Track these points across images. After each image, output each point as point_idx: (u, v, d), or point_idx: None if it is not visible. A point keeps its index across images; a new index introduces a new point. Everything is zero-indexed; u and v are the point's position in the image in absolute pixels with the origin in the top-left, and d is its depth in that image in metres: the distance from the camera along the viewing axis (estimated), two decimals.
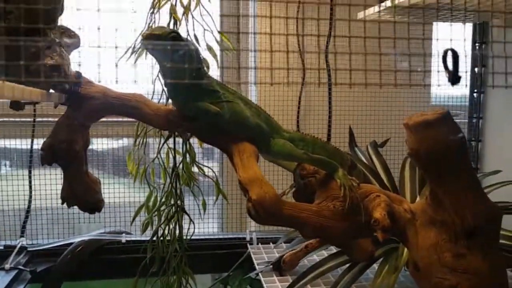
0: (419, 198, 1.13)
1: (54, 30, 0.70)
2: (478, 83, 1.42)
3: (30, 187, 1.31)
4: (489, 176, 1.24)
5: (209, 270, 1.36)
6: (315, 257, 1.16)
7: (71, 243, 1.21)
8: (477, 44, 1.38)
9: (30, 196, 1.29)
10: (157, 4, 1.03)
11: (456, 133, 0.66)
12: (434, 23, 1.25)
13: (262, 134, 0.77)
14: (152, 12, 1.02)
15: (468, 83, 1.42)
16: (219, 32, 1.03)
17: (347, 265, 1.00)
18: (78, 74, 0.73)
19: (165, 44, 0.69)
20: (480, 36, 1.36)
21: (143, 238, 1.24)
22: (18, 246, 1.17)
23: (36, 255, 1.18)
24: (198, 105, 0.71)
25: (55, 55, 0.65)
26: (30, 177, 1.31)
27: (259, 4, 1.35)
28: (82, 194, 0.78)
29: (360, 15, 1.23)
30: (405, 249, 0.91)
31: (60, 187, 0.78)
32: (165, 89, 0.78)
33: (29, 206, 1.29)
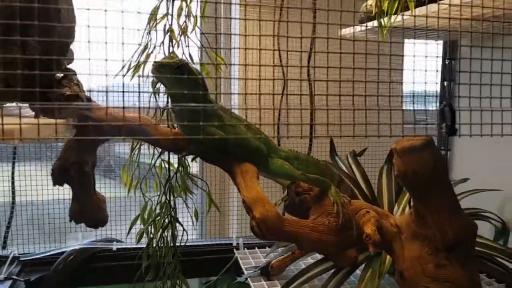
0: (396, 206, 1.22)
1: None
2: (447, 95, 1.53)
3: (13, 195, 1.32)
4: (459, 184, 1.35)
5: (197, 275, 1.41)
6: (301, 263, 1.23)
7: (63, 252, 1.23)
8: (447, 60, 1.49)
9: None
10: (153, 23, 1.06)
11: (439, 158, 0.74)
12: (408, 41, 1.35)
13: (262, 155, 0.83)
14: (149, 32, 1.06)
15: (438, 96, 1.53)
16: (212, 50, 1.08)
17: (332, 270, 1.08)
18: (88, 99, 0.76)
19: (175, 73, 0.74)
20: (450, 53, 1.47)
21: (133, 246, 1.28)
22: (11, 256, 1.19)
23: (29, 264, 1.20)
24: (206, 130, 0.76)
25: (72, 84, 0.69)
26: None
27: (242, 22, 1.40)
28: (90, 212, 0.82)
29: (345, 31, 1.30)
30: (387, 256, 1.00)
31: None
32: (173, 114, 0.83)
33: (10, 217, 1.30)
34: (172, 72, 0.73)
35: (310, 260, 1.19)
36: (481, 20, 0.78)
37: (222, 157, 0.81)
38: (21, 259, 1.21)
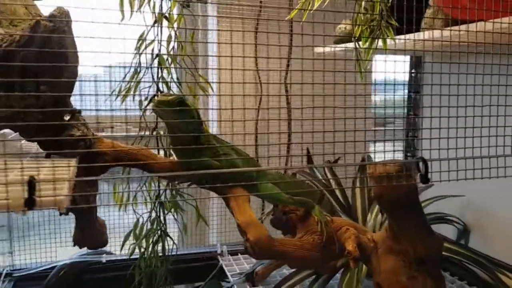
0: (370, 214, 1.33)
1: None
2: (413, 106, 1.65)
3: None
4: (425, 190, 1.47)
5: (182, 282, 1.48)
6: (284, 270, 1.32)
7: (55, 267, 1.27)
8: (412, 74, 1.60)
9: None
10: (142, 48, 1.11)
11: (411, 182, 0.84)
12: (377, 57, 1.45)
13: (252, 180, 0.90)
14: (139, 53, 1.10)
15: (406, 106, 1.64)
16: (199, 75, 1.14)
17: (313, 276, 1.17)
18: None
19: (173, 108, 0.80)
20: (415, 67, 1.58)
21: (124, 257, 1.33)
22: (4, 273, 1.22)
23: (22, 279, 1.24)
24: (202, 163, 0.83)
25: (80, 125, 0.74)
26: None
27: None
28: (92, 237, 0.87)
29: (319, 49, 1.39)
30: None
31: None
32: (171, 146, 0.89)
33: None
34: (171, 107, 0.80)
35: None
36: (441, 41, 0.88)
37: (215, 182, 0.88)
38: (14, 275, 1.24)
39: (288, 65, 1.42)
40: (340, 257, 0.90)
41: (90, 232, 0.86)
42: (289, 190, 0.94)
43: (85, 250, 1.36)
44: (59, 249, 1.34)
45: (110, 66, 0.97)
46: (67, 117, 0.74)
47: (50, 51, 0.68)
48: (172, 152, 0.92)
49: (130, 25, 1.06)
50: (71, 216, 1.35)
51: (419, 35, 0.96)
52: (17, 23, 0.72)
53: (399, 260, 0.86)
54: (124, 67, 1.05)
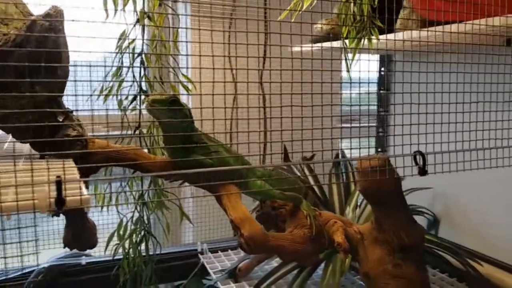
0: (348, 208, 1.37)
1: None
2: (383, 103, 1.71)
3: None
4: None
5: (162, 281, 1.48)
6: (266, 266, 1.34)
7: (33, 271, 1.24)
8: (382, 72, 1.67)
9: None
10: (123, 46, 1.10)
11: (395, 175, 0.88)
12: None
13: (242, 177, 0.92)
14: (120, 52, 1.09)
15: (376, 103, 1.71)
16: (182, 74, 1.15)
17: (296, 270, 1.20)
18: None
19: (166, 107, 0.81)
20: (385, 66, 1.65)
21: (103, 259, 1.32)
22: None
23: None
24: (194, 160, 0.84)
25: (75, 125, 0.73)
26: None
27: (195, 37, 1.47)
28: (83, 238, 0.87)
29: (295, 49, 1.42)
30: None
31: None
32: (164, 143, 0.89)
33: None
34: (165, 106, 0.80)
35: (274, 263, 1.30)
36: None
37: (209, 180, 0.89)
38: None
39: (264, 64, 1.44)
40: (329, 249, 0.93)
41: (81, 233, 0.85)
42: (277, 187, 0.96)
43: (62, 253, 1.34)
44: (33, 253, 1.30)
45: (90, 66, 0.97)
46: (61, 118, 0.73)
47: (45, 50, 0.67)
48: (163, 151, 0.92)
49: (114, 24, 1.06)
50: (49, 219, 1.32)
51: (398, 35, 1.01)
52: (8, 22, 0.71)
53: (384, 250, 0.91)
54: (105, 66, 1.04)
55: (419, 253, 0.92)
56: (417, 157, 0.70)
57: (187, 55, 1.40)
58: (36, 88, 0.70)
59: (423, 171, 0.69)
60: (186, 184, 0.93)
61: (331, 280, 1.13)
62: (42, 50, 0.66)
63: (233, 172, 0.90)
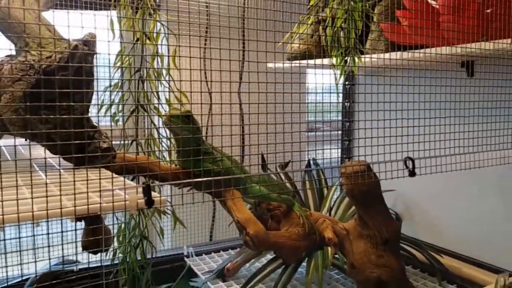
0: (324, 210, 1.51)
1: None
2: (347, 112, 1.88)
3: None
4: None
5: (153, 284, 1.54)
6: (252, 267, 1.44)
7: (28, 279, 1.27)
8: (347, 85, 1.84)
9: None
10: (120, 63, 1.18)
11: (375, 178, 1.03)
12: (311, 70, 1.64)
13: (242, 182, 1.03)
14: (122, 67, 1.17)
15: (340, 114, 1.87)
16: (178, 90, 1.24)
17: (281, 268, 1.32)
18: None
19: (185, 122, 0.91)
20: (349, 80, 1.82)
21: (94, 265, 1.37)
22: None
23: None
24: (205, 169, 0.94)
25: (104, 137, 0.81)
26: None
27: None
28: (100, 241, 0.94)
29: (270, 65, 1.55)
30: (329, 250, 1.28)
31: None
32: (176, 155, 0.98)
33: None
34: (181, 120, 0.90)
35: (258, 264, 1.41)
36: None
37: (217, 186, 0.99)
38: None
39: (240, 78, 1.56)
40: (321, 244, 1.06)
41: (99, 236, 0.92)
42: (270, 191, 1.08)
43: (53, 261, 1.37)
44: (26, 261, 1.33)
45: (97, 79, 1.04)
46: (92, 133, 0.81)
47: (85, 72, 0.75)
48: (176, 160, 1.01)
49: (117, 42, 1.14)
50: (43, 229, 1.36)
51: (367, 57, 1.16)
52: (45, 45, 0.78)
53: (368, 243, 1.05)
54: (109, 79, 1.11)
55: (396, 244, 1.06)
56: (407, 161, 0.84)
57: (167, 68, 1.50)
58: (75, 106, 0.78)
59: (412, 173, 0.83)
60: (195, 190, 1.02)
61: (315, 273, 1.26)
62: (83, 72, 0.74)
63: (237, 179, 1.01)
